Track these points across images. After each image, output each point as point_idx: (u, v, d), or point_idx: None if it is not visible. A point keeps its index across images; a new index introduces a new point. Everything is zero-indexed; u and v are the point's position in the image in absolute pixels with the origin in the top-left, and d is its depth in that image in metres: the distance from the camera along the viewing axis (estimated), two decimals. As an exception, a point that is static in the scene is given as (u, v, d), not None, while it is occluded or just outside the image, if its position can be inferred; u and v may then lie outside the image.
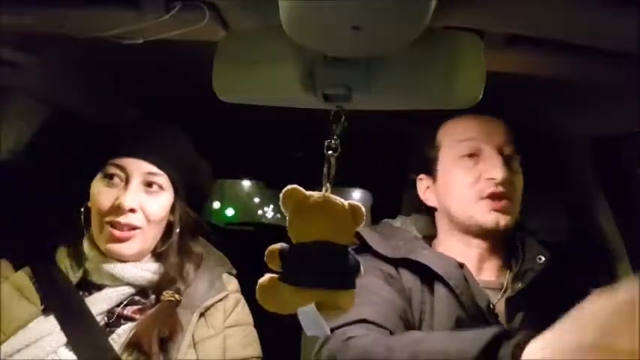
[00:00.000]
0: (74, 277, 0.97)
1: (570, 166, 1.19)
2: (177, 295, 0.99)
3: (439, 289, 0.93)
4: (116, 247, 0.96)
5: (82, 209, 1.00)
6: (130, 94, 1.26)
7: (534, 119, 1.11)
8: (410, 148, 1.08)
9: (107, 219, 0.95)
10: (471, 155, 0.96)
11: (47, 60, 0.94)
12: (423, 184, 1.06)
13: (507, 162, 0.95)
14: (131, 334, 0.92)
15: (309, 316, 0.58)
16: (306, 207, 0.60)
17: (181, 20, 0.65)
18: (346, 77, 0.61)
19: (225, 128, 1.53)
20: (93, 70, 1.10)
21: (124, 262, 0.99)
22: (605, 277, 0.96)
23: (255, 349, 1.07)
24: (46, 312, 0.92)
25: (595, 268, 0.98)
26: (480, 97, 0.62)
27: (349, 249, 0.62)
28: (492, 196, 0.93)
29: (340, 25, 0.52)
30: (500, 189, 0.92)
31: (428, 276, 0.93)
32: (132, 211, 0.95)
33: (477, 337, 0.61)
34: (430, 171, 1.04)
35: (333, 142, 0.62)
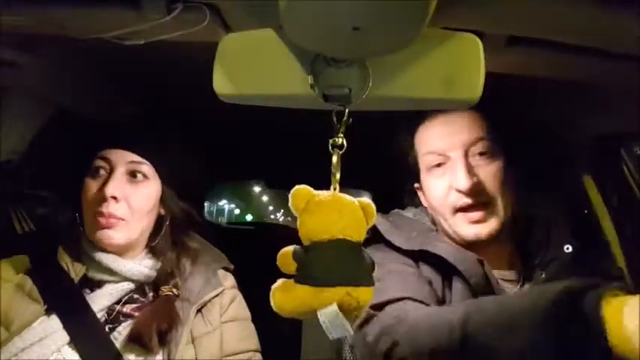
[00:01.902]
0: (75, 274, 0.98)
1: (569, 166, 1.19)
2: (175, 290, 1.01)
3: (457, 285, 0.89)
4: (103, 235, 0.96)
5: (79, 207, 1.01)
6: (131, 94, 1.27)
7: (534, 120, 1.11)
8: (396, 156, 1.06)
9: (94, 209, 0.96)
10: (439, 164, 0.94)
11: (47, 60, 0.94)
12: (421, 193, 1.04)
13: (473, 164, 0.91)
14: (131, 328, 0.94)
15: (331, 317, 0.56)
16: (316, 206, 0.59)
17: (182, 21, 0.65)
18: (346, 78, 0.61)
19: (225, 129, 1.53)
20: (93, 71, 1.11)
21: (122, 257, 1.00)
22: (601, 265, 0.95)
23: (252, 342, 1.08)
24: (49, 311, 0.92)
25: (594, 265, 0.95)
26: (480, 97, 0.62)
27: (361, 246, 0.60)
28: (464, 209, 0.90)
29: (340, 26, 0.52)
30: (469, 201, 0.89)
31: (446, 270, 0.90)
32: (114, 199, 0.96)
33: (546, 290, 0.60)
34: (418, 179, 1.02)
35: (338, 139, 0.62)
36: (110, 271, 0.99)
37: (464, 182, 0.88)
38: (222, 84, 0.63)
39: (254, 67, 0.62)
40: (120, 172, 0.98)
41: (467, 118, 0.93)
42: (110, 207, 0.96)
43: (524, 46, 0.72)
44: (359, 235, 0.60)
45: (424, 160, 0.97)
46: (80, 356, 0.89)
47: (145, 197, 1.00)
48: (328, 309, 0.56)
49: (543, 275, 0.91)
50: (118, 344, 0.93)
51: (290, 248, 0.60)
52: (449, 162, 0.93)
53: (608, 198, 1.12)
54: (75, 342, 0.90)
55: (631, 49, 0.68)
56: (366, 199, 0.62)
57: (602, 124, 1.05)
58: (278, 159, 2.03)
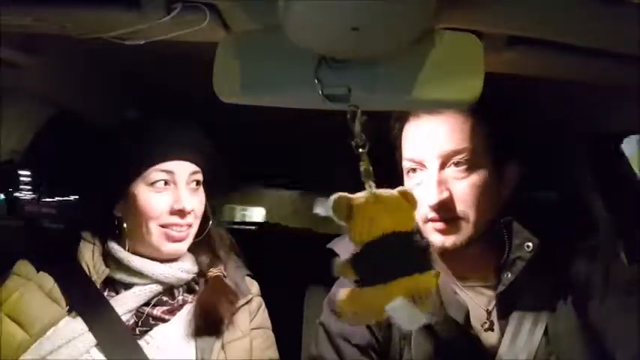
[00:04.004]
0: (98, 276, 0.98)
1: (569, 165, 1.19)
2: (223, 271, 1.06)
3: None
4: (172, 247, 1.00)
5: (115, 213, 1.02)
6: (131, 94, 1.27)
7: (533, 120, 1.11)
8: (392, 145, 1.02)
9: (161, 222, 0.98)
10: (414, 170, 0.91)
11: (47, 60, 0.94)
12: None
13: (448, 177, 0.87)
14: (197, 311, 0.97)
15: (401, 310, 0.57)
16: (359, 209, 0.59)
17: (182, 21, 0.65)
18: (346, 78, 0.61)
19: (225, 128, 1.53)
20: (93, 71, 1.11)
21: (163, 262, 1.01)
22: (595, 263, 0.94)
23: (274, 352, 1.08)
24: (71, 312, 0.93)
25: (586, 253, 0.94)
26: (479, 97, 0.62)
27: (413, 233, 0.61)
28: (433, 220, 0.88)
29: (340, 26, 0.52)
30: (436, 215, 0.87)
31: None
32: (189, 212, 0.99)
33: None
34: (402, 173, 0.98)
35: (359, 140, 0.62)
36: (140, 275, 0.99)
37: (433, 198, 0.86)
38: (222, 84, 0.63)
39: (254, 67, 0.62)
40: (184, 184, 1.00)
41: (450, 124, 0.88)
42: (186, 218, 0.99)
43: (524, 46, 0.72)
44: (407, 224, 0.60)
45: (404, 163, 0.94)
46: (107, 359, 0.89)
47: (202, 203, 1.05)
48: (395, 303, 0.57)
49: (509, 275, 0.90)
50: (149, 349, 0.93)
51: (341, 258, 0.61)
52: (425, 171, 0.89)
53: (607, 197, 1.12)
54: (101, 344, 0.90)
55: (631, 49, 0.68)
56: (405, 188, 0.62)
57: (602, 124, 1.05)
58: (279, 159, 2.03)
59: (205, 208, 1.07)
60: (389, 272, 0.58)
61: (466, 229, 0.88)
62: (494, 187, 0.90)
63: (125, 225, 1.00)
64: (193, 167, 1.01)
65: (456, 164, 0.87)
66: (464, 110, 0.88)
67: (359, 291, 0.59)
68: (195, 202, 1.01)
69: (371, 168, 0.62)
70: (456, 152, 0.87)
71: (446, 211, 0.87)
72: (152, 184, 0.97)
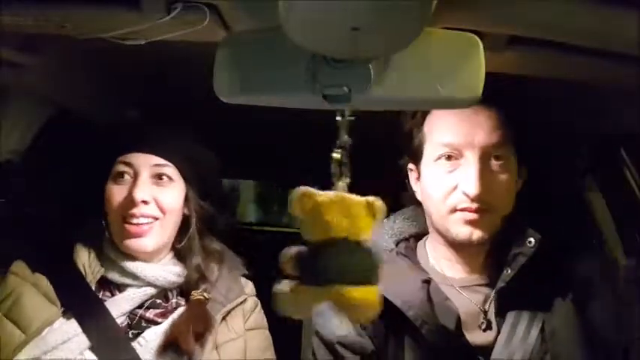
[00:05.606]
0: (93, 277, 0.97)
1: (569, 165, 1.19)
2: (205, 294, 1.01)
3: (406, 324, 0.89)
4: (133, 243, 0.97)
5: (102, 211, 1.01)
6: (131, 94, 1.27)
7: (533, 120, 1.11)
8: (401, 129, 0.99)
9: (122, 215, 0.97)
10: (450, 157, 0.89)
11: (47, 60, 0.94)
12: (413, 174, 1.00)
13: (489, 168, 0.87)
14: (166, 335, 0.94)
15: (323, 315, 0.57)
16: (317, 206, 0.59)
17: (182, 21, 0.65)
18: (346, 78, 0.61)
19: (226, 128, 1.53)
20: (93, 71, 1.11)
21: (146, 261, 1.00)
22: (595, 262, 0.93)
23: (271, 353, 1.08)
24: (66, 314, 0.92)
25: (585, 252, 0.94)
26: (480, 97, 0.62)
27: (367, 244, 0.61)
28: (466, 210, 0.87)
29: (340, 26, 0.52)
30: (474, 205, 0.86)
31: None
32: (144, 202, 0.96)
33: None
34: (416, 162, 0.96)
35: (342, 140, 0.62)
36: (133, 276, 0.98)
37: (474, 188, 0.84)
38: (223, 84, 0.63)
39: (254, 67, 0.62)
40: (145, 176, 0.98)
41: (493, 117, 0.88)
42: (142, 209, 0.96)
43: (524, 46, 0.72)
44: (362, 233, 0.60)
45: (433, 149, 0.91)
46: None
47: (172, 198, 1.01)
48: (321, 307, 0.57)
49: (509, 271, 0.90)
50: (143, 351, 0.92)
51: (292, 249, 0.60)
52: (462, 159, 0.88)
53: (607, 198, 1.12)
54: (94, 346, 0.90)
55: (631, 49, 0.68)
56: (373, 198, 0.61)
57: (602, 124, 1.04)
58: (280, 159, 2.03)
59: (190, 211, 1.04)
60: (326, 276, 0.57)
61: (493, 223, 0.89)
62: (516, 184, 0.92)
63: (108, 224, 1.00)
64: (156, 160, 0.99)
65: (496, 158, 0.88)
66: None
67: (295, 285, 0.59)
68: (159, 195, 0.99)
69: (347, 170, 0.61)
70: (499, 145, 0.88)
71: (482, 202, 0.86)
72: (114, 177, 0.98)
